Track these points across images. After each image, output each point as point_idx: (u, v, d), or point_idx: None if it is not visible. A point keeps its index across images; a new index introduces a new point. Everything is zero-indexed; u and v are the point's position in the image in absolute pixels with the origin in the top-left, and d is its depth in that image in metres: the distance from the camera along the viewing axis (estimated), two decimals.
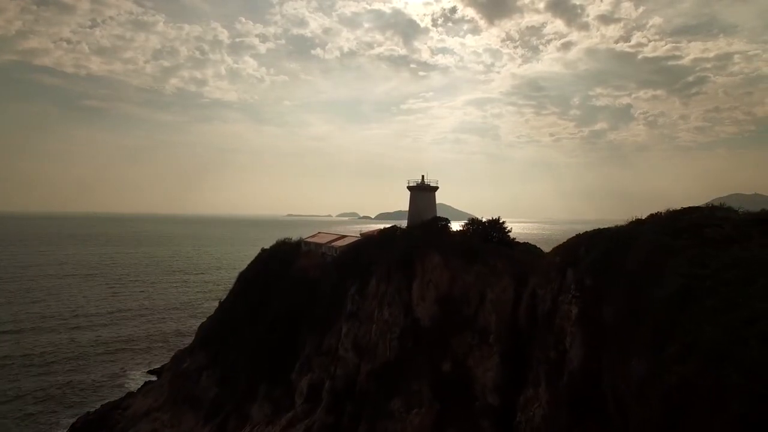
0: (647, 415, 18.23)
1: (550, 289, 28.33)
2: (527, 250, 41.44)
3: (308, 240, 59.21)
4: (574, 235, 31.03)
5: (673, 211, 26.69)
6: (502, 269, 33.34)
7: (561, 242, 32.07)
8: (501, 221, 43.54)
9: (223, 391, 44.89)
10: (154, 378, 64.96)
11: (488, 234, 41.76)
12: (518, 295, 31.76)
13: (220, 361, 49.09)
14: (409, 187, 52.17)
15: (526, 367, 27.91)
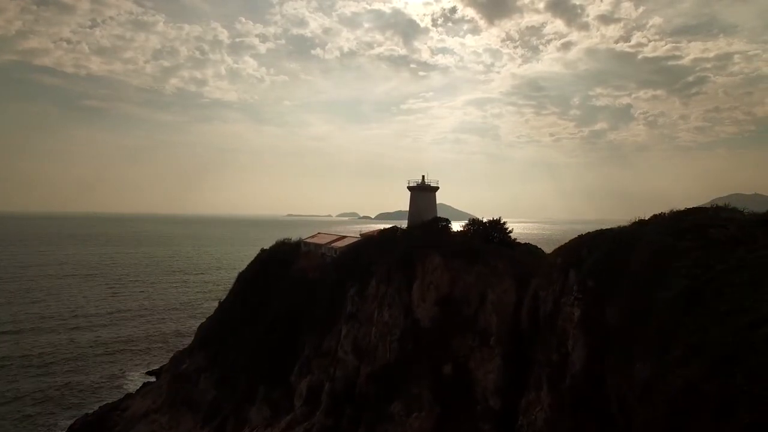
0: (651, 420, 17.91)
1: (551, 291, 28.03)
2: (528, 250, 41.15)
3: (308, 240, 58.92)
4: (574, 235, 30.74)
5: (677, 211, 26.37)
6: (504, 270, 33.03)
7: (562, 242, 31.77)
8: (502, 222, 43.27)
9: (222, 392, 44.58)
10: (153, 379, 64.67)
11: (489, 234, 41.49)
12: (520, 296, 31.45)
13: (218, 362, 48.80)
14: (409, 188, 51.88)
15: (528, 369, 27.60)
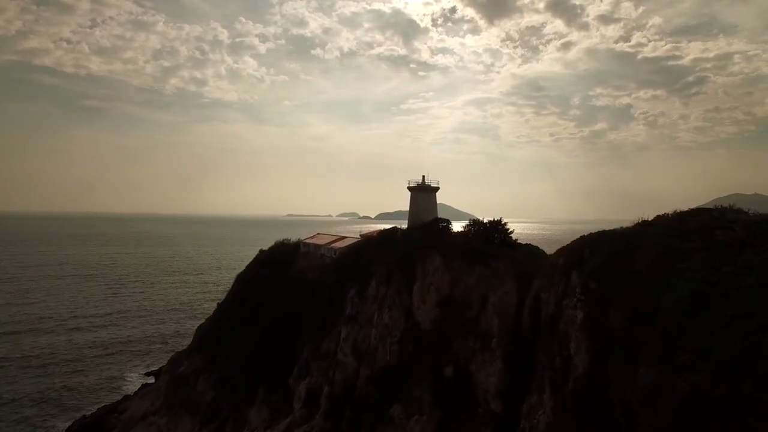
0: (657, 426, 17.54)
1: (553, 293, 27.66)
2: (530, 251, 40.77)
3: (307, 241, 58.55)
4: (574, 235, 30.38)
5: (681, 212, 25.98)
6: (505, 271, 32.65)
7: (562, 243, 31.41)
8: (503, 222, 42.91)
9: (221, 394, 44.22)
10: (152, 380, 64.34)
11: (490, 235, 41.14)
12: (521, 298, 31.08)
13: (217, 364, 48.43)
14: (409, 188, 51.48)
15: (530, 372, 27.24)
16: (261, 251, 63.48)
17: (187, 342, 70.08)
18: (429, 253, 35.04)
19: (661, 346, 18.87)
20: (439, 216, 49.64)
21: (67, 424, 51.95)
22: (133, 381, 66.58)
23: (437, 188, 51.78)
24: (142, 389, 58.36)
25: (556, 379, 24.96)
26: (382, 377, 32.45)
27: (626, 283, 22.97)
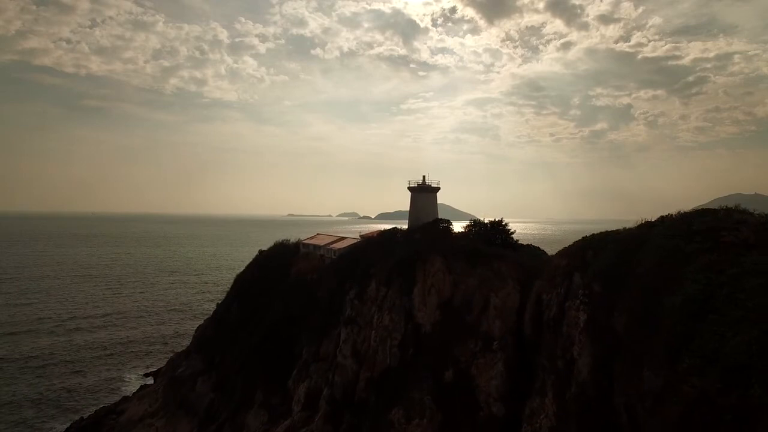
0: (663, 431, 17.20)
1: (556, 295, 27.31)
2: (531, 252, 40.45)
3: (306, 242, 58.15)
4: (575, 235, 30.03)
5: (685, 213, 25.60)
6: (507, 273, 32.30)
7: (563, 243, 31.06)
8: (504, 223, 42.57)
9: (219, 397, 43.84)
10: (150, 381, 63.96)
11: (491, 236, 40.80)
12: (523, 300, 30.72)
13: (216, 365, 48.07)
14: (409, 188, 51.09)
15: (532, 375, 26.90)
16: (260, 252, 63.14)
17: (186, 342, 69.74)
18: (430, 254, 34.67)
19: (667, 349, 18.52)
20: (439, 216, 49.29)
21: (66, 426, 51.57)
22: (132, 382, 66.18)
23: (438, 188, 51.40)
24: (141, 390, 57.99)
25: (558, 382, 24.61)
26: (382, 380, 32.07)
27: (630, 285, 22.62)
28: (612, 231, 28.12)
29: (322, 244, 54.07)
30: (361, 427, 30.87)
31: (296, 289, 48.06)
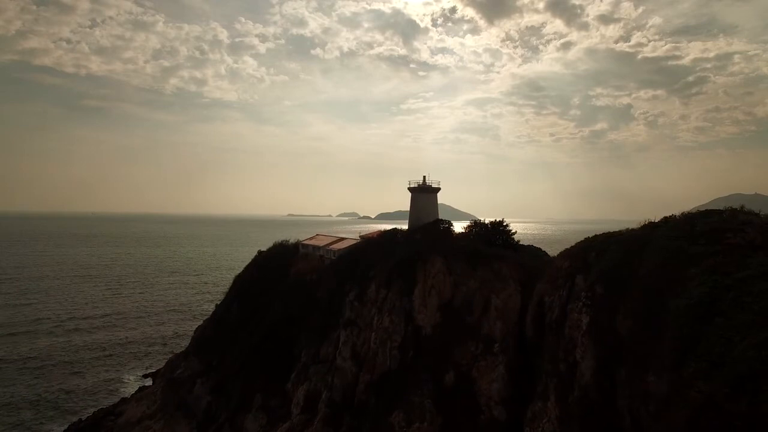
0: None
1: (558, 297, 26.97)
2: (533, 253, 40.12)
3: (306, 242, 57.80)
4: (575, 235, 29.71)
5: (689, 214, 25.27)
6: (508, 274, 31.97)
7: (563, 243, 30.75)
8: (505, 223, 42.25)
9: (217, 399, 43.48)
10: (149, 382, 63.59)
11: (492, 237, 40.48)
12: (525, 302, 30.38)
13: (214, 367, 47.70)
14: (410, 189, 50.73)
15: (534, 378, 26.56)
16: (259, 252, 62.77)
17: (186, 343, 69.36)
18: (430, 255, 34.34)
19: (672, 353, 18.18)
20: (439, 217, 48.95)
21: (64, 428, 51.21)
22: (131, 383, 65.79)
23: (438, 189, 51.04)
24: (139, 392, 57.63)
25: (561, 386, 24.26)
26: (382, 383, 31.71)
27: (634, 288, 22.30)
28: (614, 232, 27.79)
29: (321, 244, 53.72)
30: (361, 430, 30.51)
31: (295, 289, 47.71)
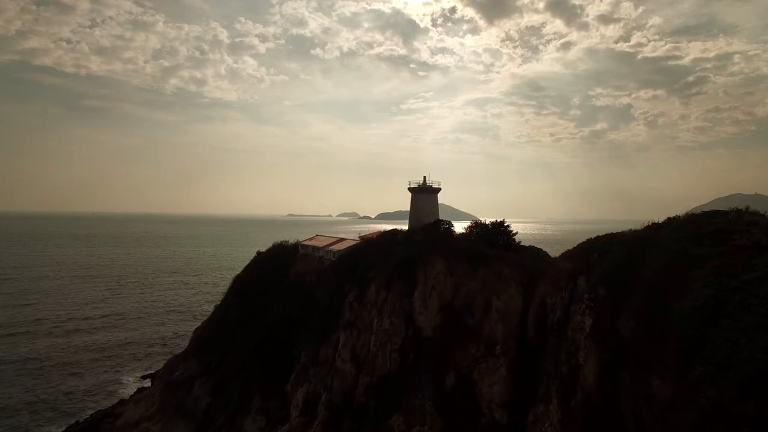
0: None
1: (560, 298, 26.70)
2: (534, 254, 39.84)
3: (305, 243, 57.52)
4: (576, 236, 29.48)
5: (693, 215, 24.99)
6: (509, 275, 31.67)
7: (564, 243, 30.51)
8: (506, 224, 41.98)
9: (216, 401, 43.20)
10: (148, 383, 63.30)
11: (493, 237, 40.20)
12: (526, 303, 30.08)
13: (213, 369, 47.41)
14: (410, 189, 50.43)
15: (536, 381, 26.26)
16: (258, 253, 62.47)
17: (185, 344, 69.04)
18: (430, 256, 34.05)
19: (676, 356, 17.90)
20: (439, 217, 48.65)
21: (62, 429, 50.92)
22: (130, 384, 65.51)
23: (438, 189, 50.74)
24: (138, 394, 57.33)
25: (563, 388, 23.98)
26: (381, 385, 31.39)
27: (637, 289, 22.01)
28: (617, 233, 27.53)
29: (321, 245, 53.44)
30: None
31: (295, 290, 47.42)
